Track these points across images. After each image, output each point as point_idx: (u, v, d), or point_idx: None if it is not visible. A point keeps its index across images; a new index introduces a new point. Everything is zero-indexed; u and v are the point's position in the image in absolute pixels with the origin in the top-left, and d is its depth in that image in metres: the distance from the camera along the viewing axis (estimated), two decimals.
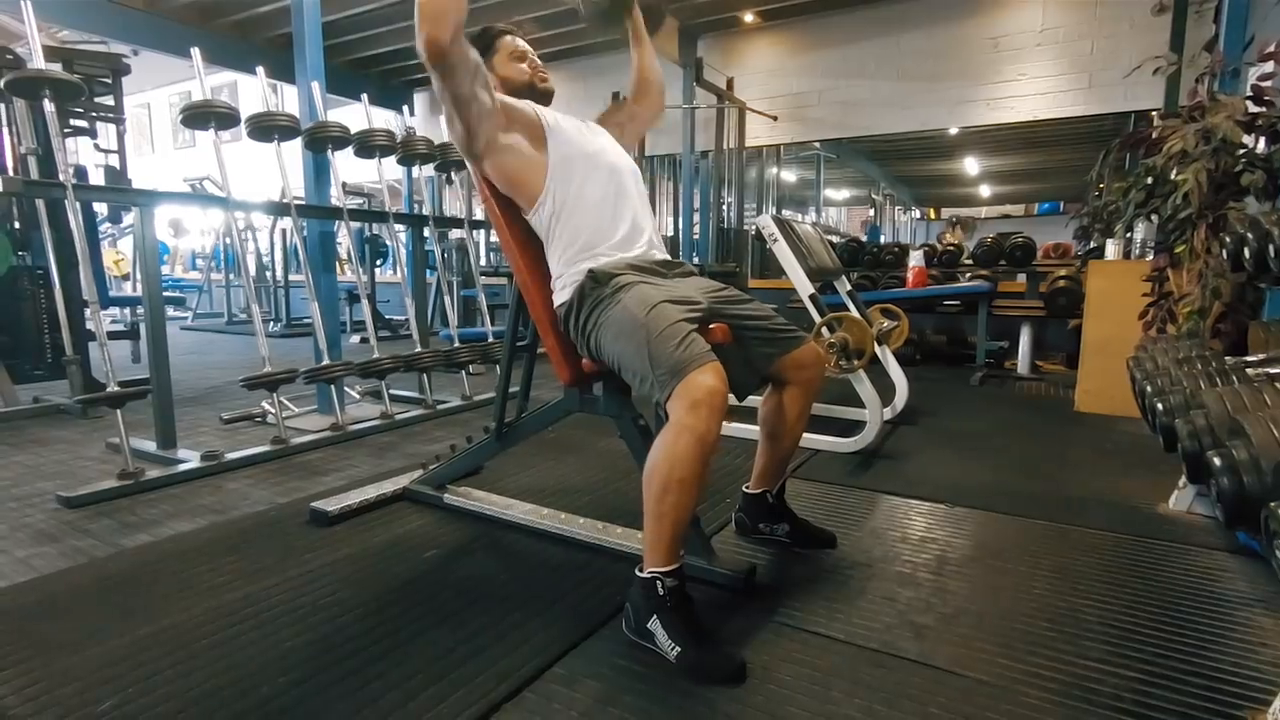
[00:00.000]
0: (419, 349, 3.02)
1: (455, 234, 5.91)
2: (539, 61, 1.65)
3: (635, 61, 1.74)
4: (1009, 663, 1.18)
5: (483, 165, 1.50)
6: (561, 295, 1.48)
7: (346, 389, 3.04)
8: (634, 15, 1.70)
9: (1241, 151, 1.84)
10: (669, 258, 1.56)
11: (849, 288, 3.07)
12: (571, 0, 1.68)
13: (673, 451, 1.15)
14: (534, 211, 1.51)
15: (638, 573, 1.23)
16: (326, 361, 2.72)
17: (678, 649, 1.15)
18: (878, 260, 5.21)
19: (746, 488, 1.66)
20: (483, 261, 6.82)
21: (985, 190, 11.71)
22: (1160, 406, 1.50)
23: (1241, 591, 1.44)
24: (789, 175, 9.17)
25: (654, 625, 1.19)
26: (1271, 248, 1.43)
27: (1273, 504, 0.97)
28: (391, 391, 3.07)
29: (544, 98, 1.64)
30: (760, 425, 1.58)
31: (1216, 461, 1.08)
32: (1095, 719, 1.04)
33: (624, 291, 1.35)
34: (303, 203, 2.87)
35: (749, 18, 5.44)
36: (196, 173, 7.96)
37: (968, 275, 4.85)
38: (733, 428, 2.44)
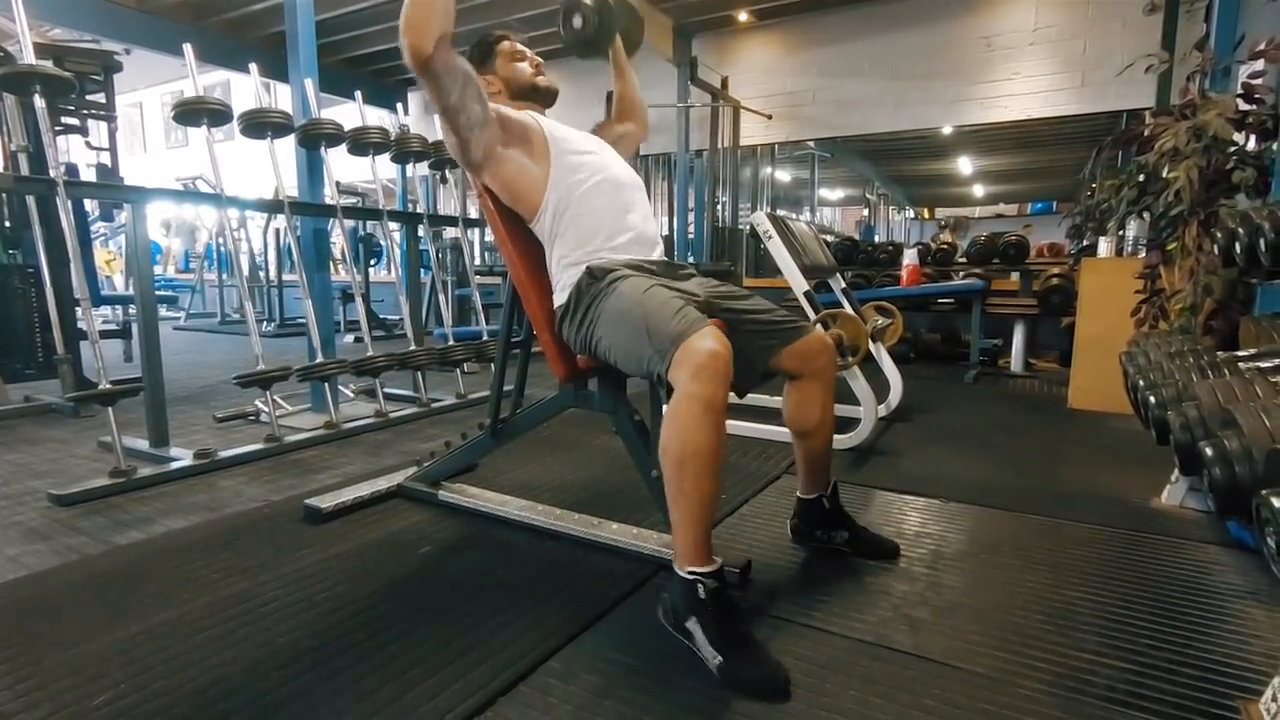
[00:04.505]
0: (413, 347, 3.01)
1: (450, 233, 5.91)
2: (539, 59, 1.67)
3: (618, 89, 1.77)
4: (1003, 655, 1.18)
5: (481, 175, 1.50)
6: (560, 296, 1.48)
7: (341, 388, 3.03)
8: (615, 44, 1.74)
9: (1232, 149, 1.85)
10: (670, 261, 1.57)
11: (843, 285, 3.07)
12: None
13: (683, 422, 1.12)
14: (535, 221, 1.51)
15: (675, 569, 1.19)
16: (320, 359, 2.71)
17: (719, 659, 1.10)
18: (872, 259, 5.21)
19: (799, 494, 1.62)
20: (477, 260, 6.80)
21: (979, 190, 11.74)
22: (1153, 399, 1.50)
23: (1234, 584, 1.45)
24: (783, 175, 9.17)
25: (693, 626, 1.15)
26: (1263, 242, 1.43)
27: (1264, 492, 0.97)
28: (386, 390, 3.06)
29: (547, 97, 1.66)
30: (788, 426, 1.53)
31: (1209, 451, 1.08)
32: (1089, 710, 1.04)
33: (620, 282, 1.37)
34: (296, 200, 2.86)
35: (743, 17, 5.45)
36: (189, 172, 7.92)
37: (961, 274, 4.86)
38: (733, 425, 2.43)
